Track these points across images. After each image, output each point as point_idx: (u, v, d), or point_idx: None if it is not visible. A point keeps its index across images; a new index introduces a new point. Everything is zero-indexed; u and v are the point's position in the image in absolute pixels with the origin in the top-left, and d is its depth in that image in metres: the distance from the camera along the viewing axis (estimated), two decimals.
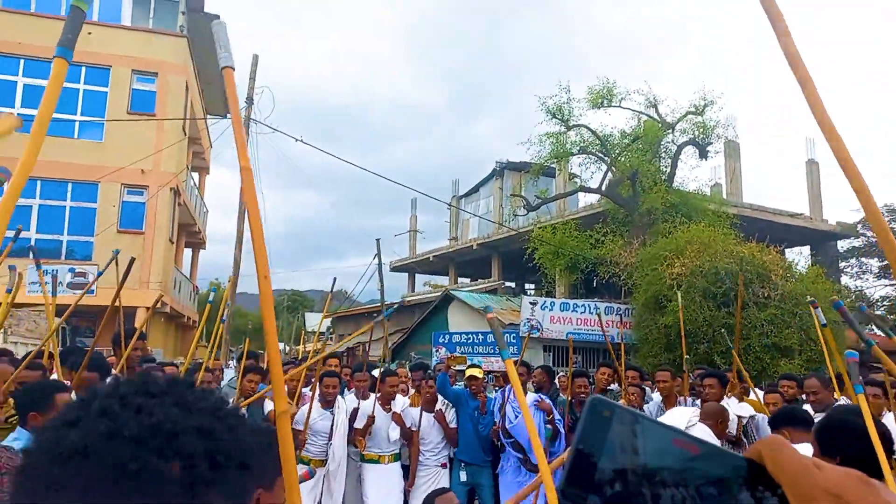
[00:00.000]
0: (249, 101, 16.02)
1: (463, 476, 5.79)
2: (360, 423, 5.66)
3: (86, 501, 0.51)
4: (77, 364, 4.01)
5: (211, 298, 4.73)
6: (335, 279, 5.74)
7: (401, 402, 5.95)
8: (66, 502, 0.51)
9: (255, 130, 15.71)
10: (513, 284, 28.47)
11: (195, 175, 25.03)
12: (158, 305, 17.14)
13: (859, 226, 22.69)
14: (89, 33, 17.83)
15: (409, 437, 5.80)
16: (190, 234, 24.09)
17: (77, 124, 17.69)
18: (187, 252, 25.66)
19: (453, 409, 6.07)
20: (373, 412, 5.62)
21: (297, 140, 14.88)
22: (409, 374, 7.49)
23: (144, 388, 0.59)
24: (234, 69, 1.53)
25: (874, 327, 22.53)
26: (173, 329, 21.64)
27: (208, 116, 23.73)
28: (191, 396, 0.60)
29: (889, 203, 22.62)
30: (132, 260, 4.21)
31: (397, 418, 5.69)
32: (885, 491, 0.39)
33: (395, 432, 5.66)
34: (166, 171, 17.92)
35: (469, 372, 6.24)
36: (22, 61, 17.40)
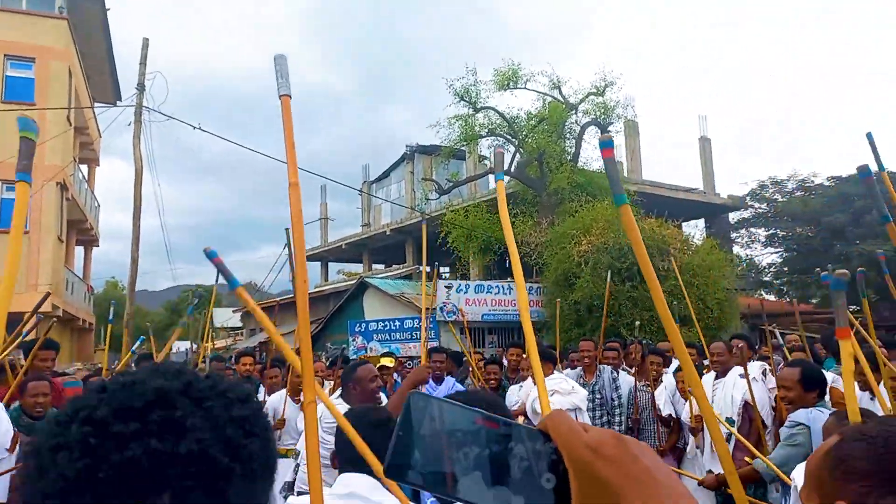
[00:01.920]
0: (141, 87, 15.08)
1: None
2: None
3: None
4: None
5: (134, 348, 4.49)
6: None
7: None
8: None
9: (149, 118, 14.84)
10: (428, 269, 28.57)
11: (84, 168, 23.39)
12: (50, 310, 15.86)
13: (748, 198, 24.29)
14: None
15: None
16: (81, 231, 22.53)
17: None
18: (79, 250, 24.01)
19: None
20: (284, 407, 5.48)
21: (194, 128, 14.19)
22: (326, 368, 7.36)
23: (128, 405, 0.53)
24: (290, 97, 1.49)
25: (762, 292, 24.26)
26: (68, 333, 20.24)
27: (96, 105, 22.18)
28: (180, 413, 0.54)
29: (773, 175, 24.34)
30: (47, 295, 3.92)
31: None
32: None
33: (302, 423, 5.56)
34: (51, 164, 16.59)
35: (382, 361, 6.27)
36: None
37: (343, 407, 3.96)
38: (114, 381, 0.57)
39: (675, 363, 6.61)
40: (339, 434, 2.19)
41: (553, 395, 4.11)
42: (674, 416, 5.55)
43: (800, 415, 3.32)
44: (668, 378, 5.93)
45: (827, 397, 3.45)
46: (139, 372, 0.58)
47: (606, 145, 1.46)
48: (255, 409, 0.60)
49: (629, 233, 1.43)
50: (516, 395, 5.66)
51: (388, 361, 6.25)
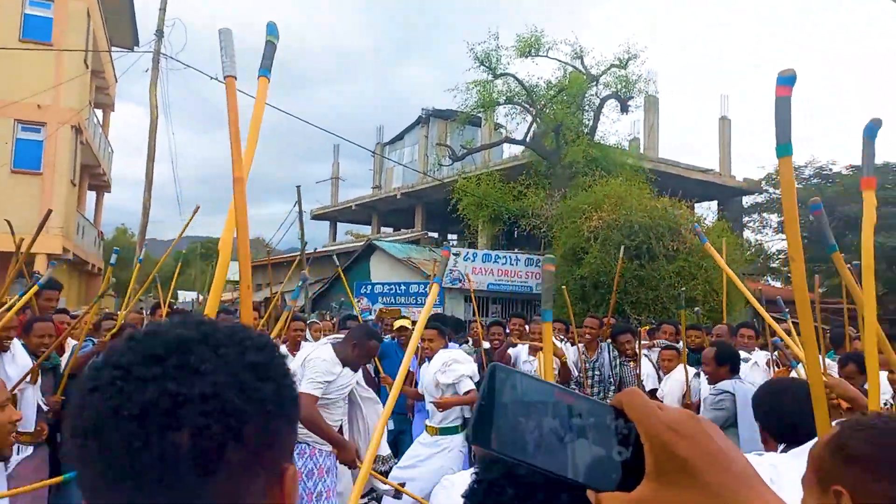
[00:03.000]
0: (159, 33, 14.95)
1: (390, 425, 5.90)
2: None
3: (107, 475, 0.56)
4: None
5: (114, 261, 4.53)
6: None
7: (309, 347, 5.91)
8: (92, 474, 0.57)
9: (166, 66, 14.75)
10: (436, 235, 28.57)
11: (98, 112, 23.35)
12: (60, 252, 16.04)
13: (763, 182, 24.03)
14: None
15: None
16: (94, 176, 22.60)
17: None
18: (91, 195, 24.12)
19: None
20: None
21: (211, 78, 14.08)
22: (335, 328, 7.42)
23: (150, 351, 0.59)
24: (236, 78, 1.45)
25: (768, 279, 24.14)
26: (76, 277, 20.48)
27: (113, 49, 22.02)
28: (195, 358, 0.59)
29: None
30: (49, 212, 4.04)
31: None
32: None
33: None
34: (66, 107, 16.57)
35: (398, 323, 6.32)
36: None
37: (328, 349, 4.03)
38: (140, 331, 0.63)
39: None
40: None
41: (453, 363, 4.68)
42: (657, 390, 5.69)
43: (726, 384, 4.06)
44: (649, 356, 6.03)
45: (742, 374, 4.27)
46: (165, 323, 0.64)
47: (786, 82, 1.29)
48: (271, 356, 0.64)
49: (784, 189, 1.33)
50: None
51: (407, 323, 6.33)
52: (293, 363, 4.10)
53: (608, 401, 0.54)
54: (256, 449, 0.59)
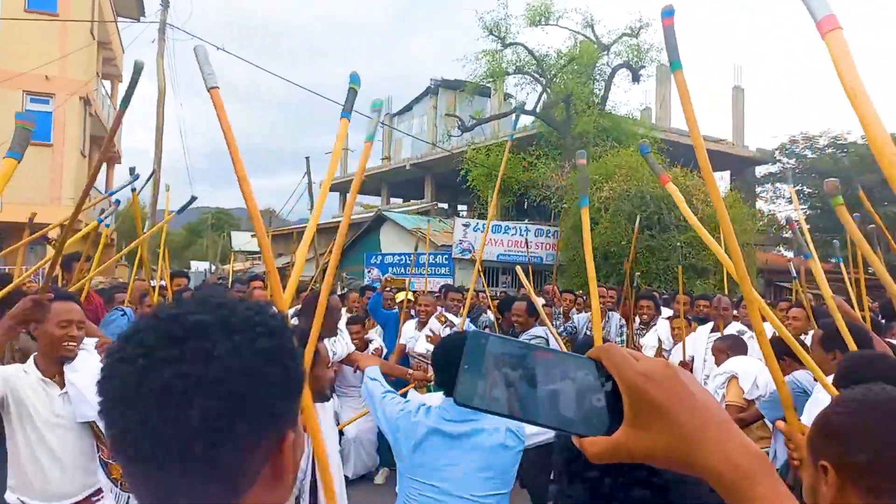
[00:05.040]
0: (165, 3, 14.81)
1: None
2: None
3: (127, 438, 0.62)
4: None
5: (101, 217, 4.55)
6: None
7: None
8: (116, 432, 0.63)
9: (172, 37, 14.65)
10: (445, 206, 28.50)
11: (106, 83, 23.27)
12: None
13: (776, 152, 23.69)
14: None
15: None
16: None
17: None
18: (101, 167, 24.18)
19: (376, 331, 6.14)
20: None
21: (218, 49, 13.97)
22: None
23: (171, 333, 0.64)
24: (219, 88, 1.48)
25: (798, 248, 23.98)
26: (90, 247, 20.64)
27: (119, 19, 21.85)
28: (211, 343, 0.64)
29: (805, 131, 23.66)
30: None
31: None
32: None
33: None
34: (74, 78, 16.52)
35: (400, 296, 6.33)
36: None
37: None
38: (165, 312, 0.68)
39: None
40: None
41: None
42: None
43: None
44: (662, 324, 5.97)
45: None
46: (189, 303, 0.68)
47: (668, 14, 1.49)
48: (281, 340, 0.69)
49: (682, 98, 1.56)
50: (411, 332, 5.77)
51: (410, 296, 6.32)
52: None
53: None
54: (259, 424, 0.65)
